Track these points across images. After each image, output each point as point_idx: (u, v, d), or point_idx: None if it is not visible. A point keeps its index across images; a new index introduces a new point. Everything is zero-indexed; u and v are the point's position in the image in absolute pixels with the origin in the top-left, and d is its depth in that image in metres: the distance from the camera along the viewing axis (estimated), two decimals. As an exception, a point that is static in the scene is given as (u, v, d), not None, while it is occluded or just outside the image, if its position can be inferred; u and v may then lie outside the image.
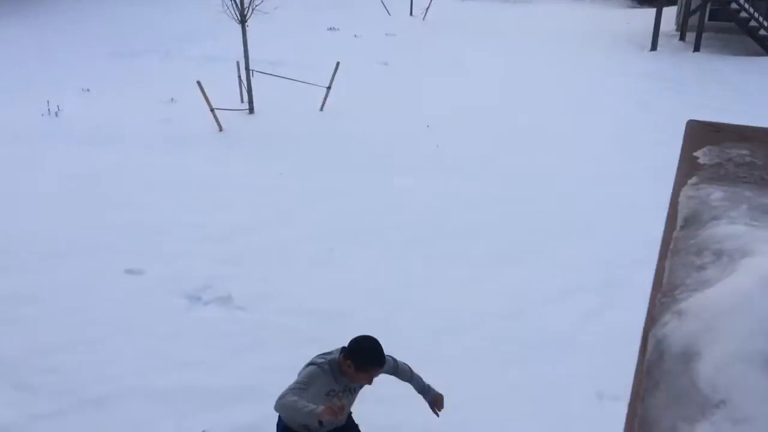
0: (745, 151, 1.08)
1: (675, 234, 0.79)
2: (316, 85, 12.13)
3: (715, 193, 0.89)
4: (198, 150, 9.87)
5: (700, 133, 1.20)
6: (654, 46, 17.36)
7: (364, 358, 3.10)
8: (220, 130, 10.71)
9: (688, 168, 1.02)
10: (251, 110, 11.66)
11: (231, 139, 10.45)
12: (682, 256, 0.72)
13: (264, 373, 4.81)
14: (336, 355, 3.22)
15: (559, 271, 6.40)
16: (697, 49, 17.08)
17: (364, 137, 10.49)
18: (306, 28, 19.00)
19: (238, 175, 8.87)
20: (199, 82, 10.76)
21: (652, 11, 18.30)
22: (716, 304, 0.57)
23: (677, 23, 19.44)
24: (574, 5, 27.21)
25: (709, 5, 17.44)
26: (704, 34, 17.84)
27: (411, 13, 22.20)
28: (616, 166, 9.44)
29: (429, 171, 9.13)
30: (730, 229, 0.75)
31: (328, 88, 12.00)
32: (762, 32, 16.62)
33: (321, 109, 11.93)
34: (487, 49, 17.56)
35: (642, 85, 14.72)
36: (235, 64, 12.29)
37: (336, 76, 12.00)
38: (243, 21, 11.57)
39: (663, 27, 18.87)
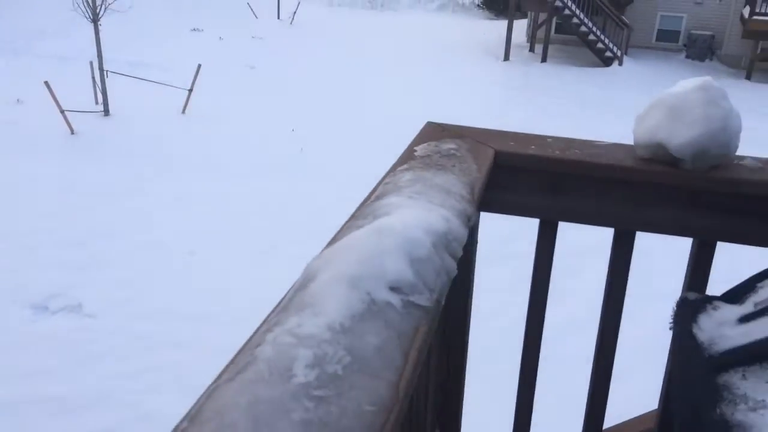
0: (453, 145, 1.38)
1: (361, 206, 1.05)
2: (176, 87, 11.91)
3: (407, 176, 1.17)
4: (48, 153, 9.39)
5: (429, 132, 1.49)
6: (507, 57, 18.62)
7: None
8: (72, 132, 10.24)
9: (404, 158, 1.30)
10: (106, 112, 11.24)
11: (84, 142, 10.03)
12: (353, 219, 0.99)
13: (116, 379, 4.79)
14: None
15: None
16: (544, 59, 18.53)
17: (228, 140, 10.47)
18: (168, 29, 18.48)
19: (91, 179, 8.57)
20: (46, 82, 10.24)
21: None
22: (339, 245, 0.83)
23: (527, 35, 20.96)
24: (437, 15, 28.49)
25: (554, 19, 18.98)
26: (551, 46, 19.38)
27: (278, 17, 22.23)
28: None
29: (293, 174, 9.31)
30: (392, 200, 1.03)
31: (190, 90, 11.83)
32: (600, 45, 18.33)
33: (183, 112, 11.74)
34: (354, 55, 18.02)
35: (497, 92, 15.78)
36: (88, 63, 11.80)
37: (200, 79, 11.86)
38: (95, 19, 11.15)
39: (515, 39, 20.29)
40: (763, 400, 0.95)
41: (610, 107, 14.32)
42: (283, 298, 0.74)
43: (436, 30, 23.58)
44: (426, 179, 1.16)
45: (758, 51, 18.02)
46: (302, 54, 17.73)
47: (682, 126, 1.31)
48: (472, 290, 1.62)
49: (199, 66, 11.94)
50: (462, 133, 1.48)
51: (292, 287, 0.77)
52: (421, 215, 0.94)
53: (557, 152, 1.43)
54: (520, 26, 22.24)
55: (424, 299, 0.78)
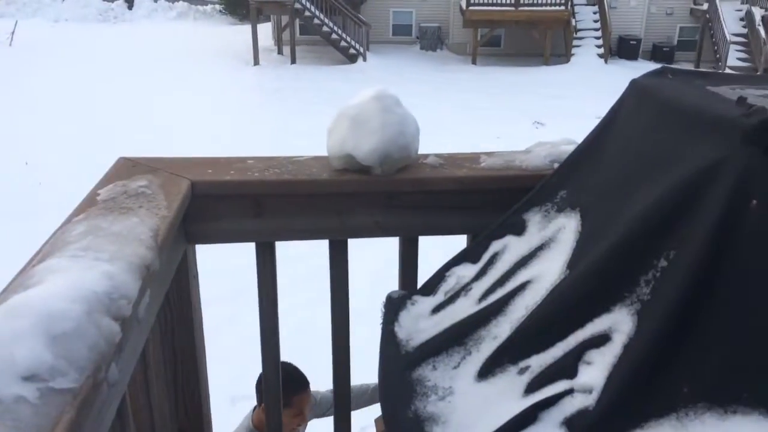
0: (143, 182, 1.30)
1: (18, 275, 0.93)
2: None
3: (78, 228, 1.06)
4: None
5: (119, 169, 1.39)
6: (256, 61, 18.59)
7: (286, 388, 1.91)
8: None
9: (83, 206, 1.19)
10: None
11: None
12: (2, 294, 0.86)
13: None
14: (247, 421, 2.60)
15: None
16: (294, 61, 18.85)
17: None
18: None
19: None
20: None
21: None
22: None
23: (274, 39, 21.15)
24: (178, 24, 27.43)
25: (297, 21, 19.37)
26: (299, 47, 19.77)
27: (-7, 38, 19.67)
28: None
29: (29, 212, 8.29)
30: (50, 263, 0.92)
31: None
32: (343, 43, 19.14)
33: None
34: (90, 73, 16.60)
35: (251, 97, 15.68)
36: None
37: None
38: None
39: (263, 42, 20.33)
40: (450, 387, 1.03)
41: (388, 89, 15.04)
42: None
43: (178, 39, 22.71)
44: (100, 229, 1.06)
45: (479, 38, 20.23)
46: (27, 78, 15.89)
47: (365, 135, 1.38)
48: (202, 330, 1.55)
49: None
50: (156, 167, 1.40)
51: None
52: (75, 279, 0.85)
53: (257, 174, 1.42)
54: (266, 30, 22.34)
55: (69, 381, 0.71)
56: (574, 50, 19.87)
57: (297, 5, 18.44)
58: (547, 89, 17.01)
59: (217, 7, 29.58)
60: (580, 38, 20.16)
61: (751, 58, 19.49)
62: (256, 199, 1.42)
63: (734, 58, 19.51)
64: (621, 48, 20.91)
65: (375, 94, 1.42)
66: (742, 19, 20.18)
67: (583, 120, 14.90)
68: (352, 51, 19.17)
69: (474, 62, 20.13)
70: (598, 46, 19.95)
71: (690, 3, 21.34)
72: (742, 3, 20.61)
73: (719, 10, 19.72)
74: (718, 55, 19.83)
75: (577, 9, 20.35)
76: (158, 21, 27.69)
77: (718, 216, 0.87)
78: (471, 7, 19.49)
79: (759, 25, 19.24)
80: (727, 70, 19.14)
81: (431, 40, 21.70)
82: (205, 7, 29.97)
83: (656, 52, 21.16)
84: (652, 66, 17.52)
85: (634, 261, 0.95)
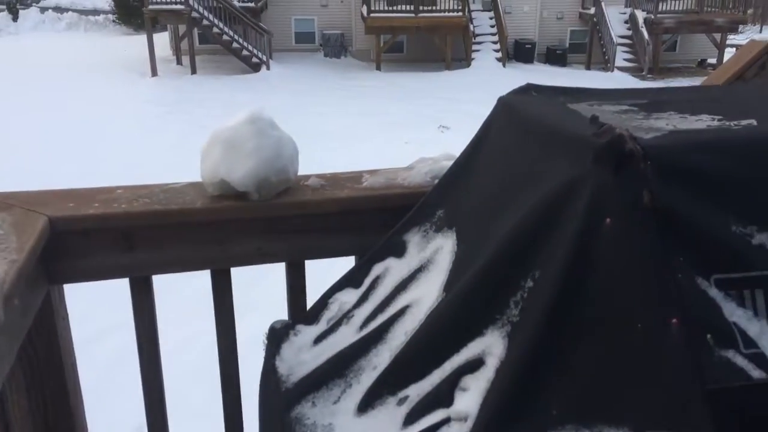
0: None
1: None
2: None
3: None
4: None
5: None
6: (154, 72, 17.95)
7: None
8: None
9: None
10: None
11: None
12: None
13: None
14: None
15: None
16: (194, 71, 18.33)
17: None
18: None
19: None
20: None
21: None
22: None
23: (172, 48, 20.49)
24: (69, 35, 26.07)
25: (196, 30, 18.86)
26: (200, 57, 19.25)
27: None
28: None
29: None
30: None
31: None
32: (245, 52, 18.80)
33: None
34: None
35: (150, 110, 15.10)
36: None
37: None
38: None
39: (161, 53, 19.64)
40: (330, 424, 1.00)
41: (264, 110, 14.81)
42: None
43: (70, 51, 21.58)
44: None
45: (381, 44, 20.43)
46: None
47: (239, 159, 1.33)
48: (76, 373, 1.44)
49: None
50: (9, 203, 1.29)
51: None
52: None
53: (124, 206, 1.34)
54: (164, 39, 21.62)
55: None
56: (474, 55, 20.43)
57: (194, 14, 17.95)
58: (450, 93, 17.40)
59: (110, 17, 28.33)
60: (479, 43, 20.76)
61: (637, 59, 20.74)
62: (125, 232, 1.34)
63: (621, 59, 20.69)
64: (517, 51, 21.70)
65: (249, 116, 1.37)
66: (626, 22, 21.43)
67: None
68: (254, 60, 18.86)
69: (378, 68, 20.30)
70: (496, 50, 20.61)
71: (579, 7, 22.45)
72: (626, 6, 21.89)
73: (605, 14, 20.86)
74: (606, 56, 20.95)
75: (474, 15, 20.95)
76: (46, 33, 26.21)
77: (574, 235, 0.88)
78: (372, 14, 19.66)
79: (642, 27, 20.50)
80: (616, 71, 20.31)
81: (335, 47, 21.71)
82: (96, 17, 28.63)
83: (550, 55, 22.10)
84: (547, 68, 18.26)
85: (503, 282, 0.95)
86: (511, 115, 1.19)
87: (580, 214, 0.89)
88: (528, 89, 1.25)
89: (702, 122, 1.02)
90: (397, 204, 1.41)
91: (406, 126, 13.99)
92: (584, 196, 0.90)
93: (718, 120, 1.02)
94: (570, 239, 0.89)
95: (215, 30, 18.42)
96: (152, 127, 13.65)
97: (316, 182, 1.47)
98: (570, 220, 0.90)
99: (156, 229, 1.35)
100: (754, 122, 1.01)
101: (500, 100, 1.24)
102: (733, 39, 25.21)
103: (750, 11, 30.35)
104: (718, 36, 21.42)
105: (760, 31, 35.55)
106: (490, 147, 1.22)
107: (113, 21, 28.16)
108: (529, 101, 1.19)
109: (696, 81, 17.74)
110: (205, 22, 18.22)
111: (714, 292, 0.84)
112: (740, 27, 23.44)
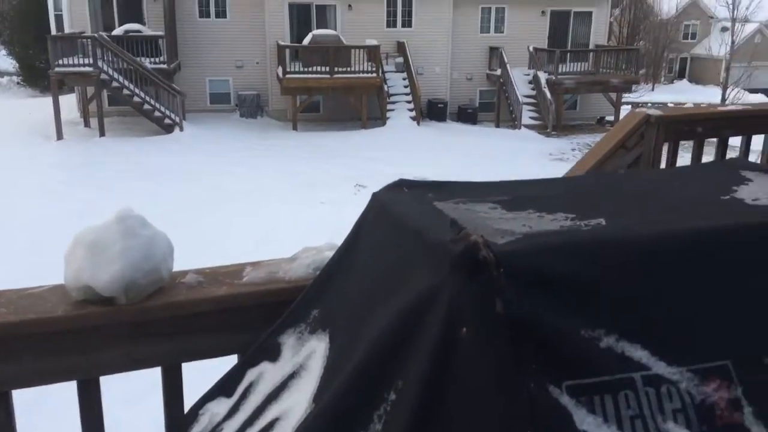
0: None
1: None
2: None
3: None
4: None
5: None
6: (60, 135, 17.32)
7: None
8: None
9: None
10: None
11: None
12: None
13: None
14: None
15: None
16: (102, 134, 17.81)
17: None
18: None
19: None
20: None
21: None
22: None
23: (80, 111, 19.90)
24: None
25: (105, 91, 18.42)
26: (109, 119, 18.76)
27: None
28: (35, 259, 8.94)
29: None
30: None
31: None
32: (157, 113, 18.49)
33: None
34: None
35: (55, 174, 14.48)
36: None
37: None
38: None
39: (67, 115, 19.03)
40: None
41: (175, 173, 14.51)
42: None
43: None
44: None
45: (298, 104, 20.62)
46: None
47: (103, 263, 1.26)
48: None
49: None
50: None
51: None
52: None
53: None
54: (71, 101, 20.99)
55: None
56: (389, 114, 20.94)
57: (104, 76, 17.57)
58: (366, 152, 17.67)
59: (15, 78, 27.31)
60: (394, 102, 21.33)
61: (541, 117, 21.88)
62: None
63: (527, 117, 21.76)
64: (431, 110, 22.43)
65: (117, 216, 1.31)
66: (530, 82, 22.65)
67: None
68: (167, 121, 18.57)
69: (295, 128, 20.42)
70: (410, 110, 21.22)
71: (486, 69, 23.57)
72: (529, 68, 23.17)
73: (510, 75, 21.99)
74: (513, 115, 21.99)
75: (388, 76, 21.58)
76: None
77: (433, 346, 0.87)
78: (288, 76, 19.88)
79: (544, 87, 21.72)
80: (523, 128, 21.32)
81: (251, 107, 21.73)
82: (0, 79, 27.54)
83: (462, 113, 22.97)
84: (460, 126, 18.90)
85: (367, 395, 0.92)
86: (381, 213, 1.19)
87: (438, 324, 0.89)
88: (400, 185, 1.26)
89: (556, 222, 1.06)
90: (278, 299, 1.37)
91: (323, 186, 14.04)
92: (443, 305, 0.89)
93: (571, 219, 1.06)
94: (429, 350, 0.88)
95: (126, 92, 18.07)
96: (57, 192, 13.07)
97: (193, 279, 1.41)
98: (430, 329, 0.89)
99: (11, 340, 1.25)
100: (602, 221, 1.05)
101: (373, 197, 1.24)
102: (627, 97, 27.14)
103: (642, 71, 32.88)
104: (614, 95, 22.95)
105: (653, 89, 38.49)
106: (364, 244, 1.22)
107: (18, 83, 27.15)
108: (398, 199, 1.20)
109: (596, 137, 18.83)
110: (114, 84, 17.85)
111: (565, 400, 0.85)
112: (633, 86, 25.25)
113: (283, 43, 20.47)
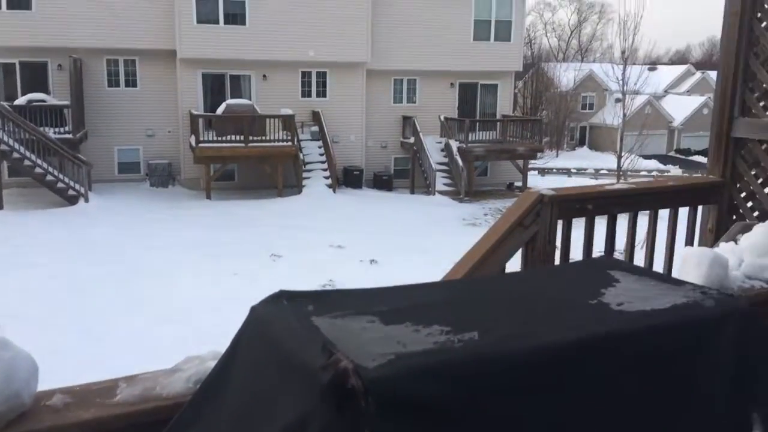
0: None
1: None
2: None
3: None
4: None
5: None
6: (-49, 208, 16.23)
7: None
8: None
9: None
10: None
11: None
12: None
13: None
14: None
15: None
16: (0, 207, 16.85)
17: None
18: None
19: None
20: None
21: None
22: None
23: (-24, 181, 18.80)
24: None
25: (5, 163, 17.55)
26: (7, 191, 17.82)
27: None
28: None
29: None
30: None
31: None
32: (60, 185, 17.73)
33: None
34: None
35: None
36: None
37: None
38: None
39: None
40: None
41: (76, 248, 13.83)
42: None
43: None
44: None
45: (212, 173, 20.35)
46: None
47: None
48: None
49: None
50: None
51: None
52: None
53: None
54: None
55: None
56: (305, 182, 21.01)
57: (3, 147, 16.78)
58: (282, 220, 17.54)
59: None
60: (309, 170, 21.45)
61: (454, 183, 22.57)
62: None
63: (441, 183, 22.40)
64: (347, 177, 22.70)
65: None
66: (443, 150, 23.44)
67: (316, 249, 15.39)
68: (71, 192, 17.82)
69: (208, 197, 20.07)
70: (326, 177, 21.39)
71: (400, 137, 24.25)
72: (441, 136, 24.02)
73: (423, 143, 22.70)
74: (428, 181, 22.58)
75: (303, 144, 21.77)
76: None
77: None
78: (201, 144, 19.66)
79: (456, 155, 22.51)
80: (437, 194, 21.87)
81: (162, 176, 21.25)
82: None
83: (377, 180, 23.37)
84: (375, 192, 19.12)
85: None
86: (258, 329, 1.16)
87: None
88: (280, 296, 1.24)
89: (431, 337, 1.06)
90: (153, 419, 1.29)
91: (236, 256, 13.75)
92: None
93: (446, 333, 1.07)
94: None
95: (27, 162, 17.29)
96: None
97: (60, 401, 1.31)
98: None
99: None
100: (475, 335, 1.06)
101: (252, 311, 1.21)
102: (534, 163, 28.54)
103: (546, 139, 34.83)
104: (521, 162, 24.07)
105: (557, 155, 40.72)
106: (241, 362, 1.17)
107: None
108: (276, 315, 1.17)
109: (506, 202, 19.58)
110: (15, 155, 17.06)
111: None
112: (538, 154, 26.61)
113: (196, 112, 20.34)
